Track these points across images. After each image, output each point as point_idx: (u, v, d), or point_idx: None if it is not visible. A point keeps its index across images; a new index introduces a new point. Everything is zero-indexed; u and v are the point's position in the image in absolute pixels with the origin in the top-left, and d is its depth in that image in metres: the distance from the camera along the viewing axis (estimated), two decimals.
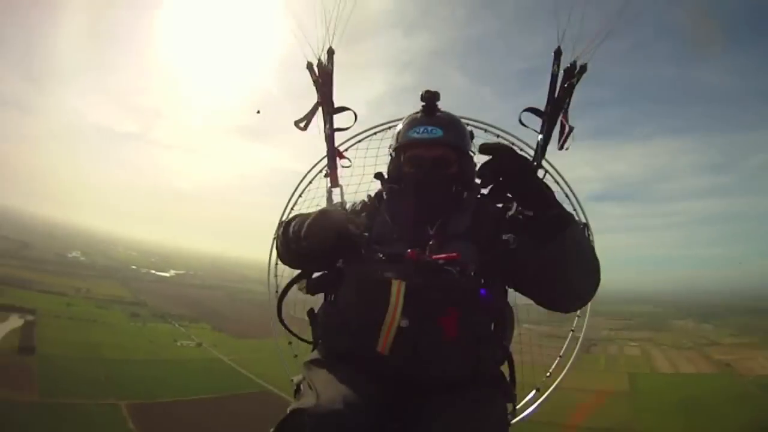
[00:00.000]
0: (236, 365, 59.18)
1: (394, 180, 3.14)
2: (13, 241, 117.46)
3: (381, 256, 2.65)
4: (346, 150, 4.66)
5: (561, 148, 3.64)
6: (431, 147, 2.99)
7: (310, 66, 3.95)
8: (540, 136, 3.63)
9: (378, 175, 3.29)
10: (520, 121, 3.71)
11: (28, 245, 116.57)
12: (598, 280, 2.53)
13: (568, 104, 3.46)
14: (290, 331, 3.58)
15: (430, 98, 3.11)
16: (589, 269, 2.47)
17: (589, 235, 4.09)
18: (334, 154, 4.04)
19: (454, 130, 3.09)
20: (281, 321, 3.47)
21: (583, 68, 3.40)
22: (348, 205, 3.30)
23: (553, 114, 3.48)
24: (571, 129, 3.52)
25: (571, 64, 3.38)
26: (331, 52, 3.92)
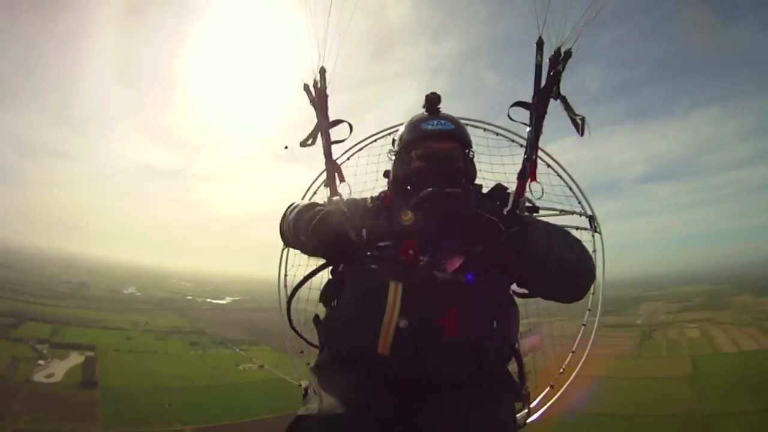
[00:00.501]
0: (298, 382, 58.59)
1: (401, 179, 3.23)
2: (72, 284, 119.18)
3: (377, 256, 2.74)
4: (348, 159, 4.86)
5: (582, 134, 3.43)
6: (443, 140, 3.15)
7: (306, 87, 3.89)
8: (528, 129, 3.40)
9: (387, 174, 3.44)
10: (509, 116, 3.50)
11: (85, 285, 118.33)
12: (584, 270, 2.69)
13: (558, 92, 3.29)
14: (299, 335, 3.71)
15: (435, 99, 3.32)
16: (570, 266, 2.58)
17: (595, 227, 4.40)
18: (332, 165, 3.87)
19: (461, 127, 3.29)
20: (290, 322, 3.62)
21: (568, 54, 3.25)
22: (350, 197, 3.34)
23: (541, 105, 3.29)
24: (582, 118, 3.39)
25: (555, 52, 3.24)
26: (323, 72, 3.86)
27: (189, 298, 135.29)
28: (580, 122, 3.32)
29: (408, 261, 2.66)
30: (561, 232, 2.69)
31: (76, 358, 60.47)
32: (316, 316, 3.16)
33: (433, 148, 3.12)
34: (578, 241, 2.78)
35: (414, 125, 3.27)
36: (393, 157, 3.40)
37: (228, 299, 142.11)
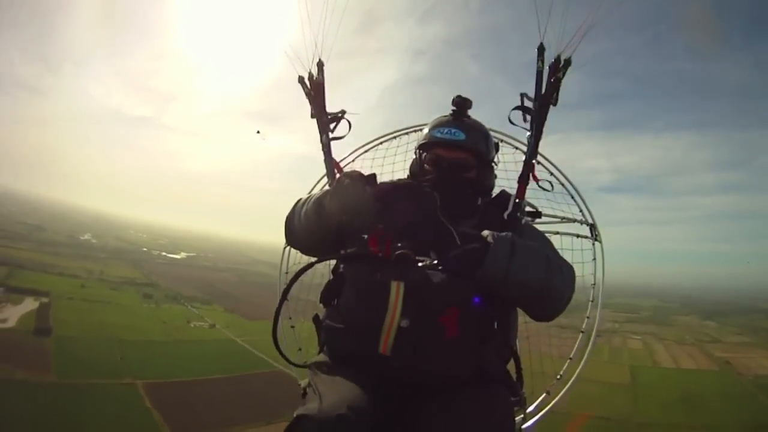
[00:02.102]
0: (249, 346, 59.67)
1: (414, 178, 3.24)
2: (28, 225, 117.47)
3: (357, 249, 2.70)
4: (353, 160, 4.83)
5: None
6: (451, 149, 3.11)
7: (301, 80, 3.97)
8: (528, 134, 3.55)
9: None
10: (510, 120, 3.64)
11: (41, 228, 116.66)
12: (551, 297, 2.73)
13: (557, 99, 3.40)
14: (280, 352, 3.31)
15: (460, 103, 3.25)
16: (534, 292, 2.63)
17: (596, 235, 4.54)
18: (332, 164, 4.05)
19: (477, 137, 3.20)
20: (274, 333, 3.18)
21: (568, 62, 3.35)
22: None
23: (541, 110, 3.42)
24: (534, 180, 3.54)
25: (555, 59, 3.34)
26: (320, 65, 3.96)
27: (144, 250, 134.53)
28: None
29: (374, 253, 2.63)
30: (531, 253, 2.67)
31: (30, 304, 60.20)
32: (316, 316, 3.16)
33: (440, 156, 3.12)
34: (553, 263, 2.76)
35: (429, 129, 3.25)
36: (417, 153, 3.38)
37: (183, 254, 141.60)
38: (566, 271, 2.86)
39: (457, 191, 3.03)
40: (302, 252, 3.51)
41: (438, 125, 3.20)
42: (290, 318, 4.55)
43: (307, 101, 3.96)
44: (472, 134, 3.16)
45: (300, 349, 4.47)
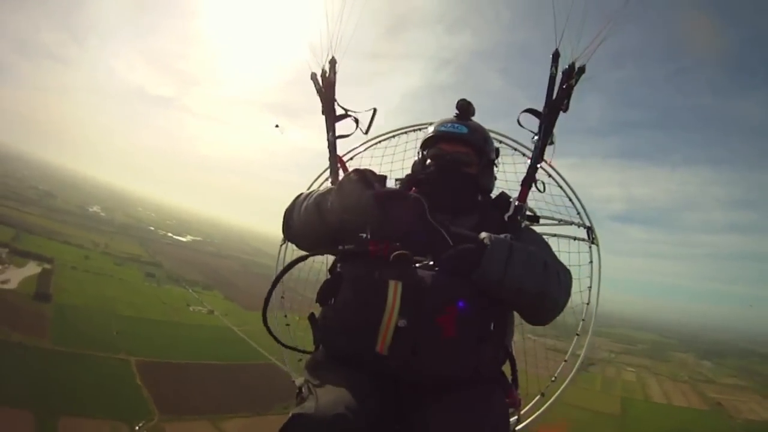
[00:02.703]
0: (245, 336, 59.96)
1: (415, 175, 3.30)
2: (39, 191, 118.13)
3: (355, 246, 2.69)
4: (352, 158, 4.73)
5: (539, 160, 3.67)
6: (453, 143, 3.17)
7: (313, 76, 4.00)
8: (535, 138, 3.61)
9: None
10: (518, 122, 3.70)
11: (51, 195, 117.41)
12: (546, 303, 2.71)
13: (567, 106, 3.46)
14: (275, 337, 3.36)
15: (464, 106, 3.32)
16: (530, 298, 2.62)
17: (593, 239, 4.51)
18: (336, 160, 4.07)
19: (479, 134, 3.26)
20: (265, 321, 3.14)
21: (582, 70, 3.41)
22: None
23: (551, 116, 3.48)
24: (551, 142, 3.59)
25: (569, 66, 3.40)
26: (333, 63, 3.96)
27: (151, 228, 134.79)
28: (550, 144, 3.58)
29: (372, 255, 2.61)
30: (529, 257, 2.66)
31: (33, 268, 60.76)
32: (312, 314, 3.09)
33: (442, 150, 3.18)
34: (551, 268, 2.74)
35: (434, 127, 3.30)
36: (420, 154, 3.41)
37: (189, 238, 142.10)
38: (563, 276, 2.86)
39: (457, 183, 3.12)
40: (299, 247, 3.43)
41: (442, 122, 3.28)
42: (285, 316, 4.50)
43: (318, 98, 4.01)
44: (473, 131, 3.23)
45: (296, 351, 4.22)
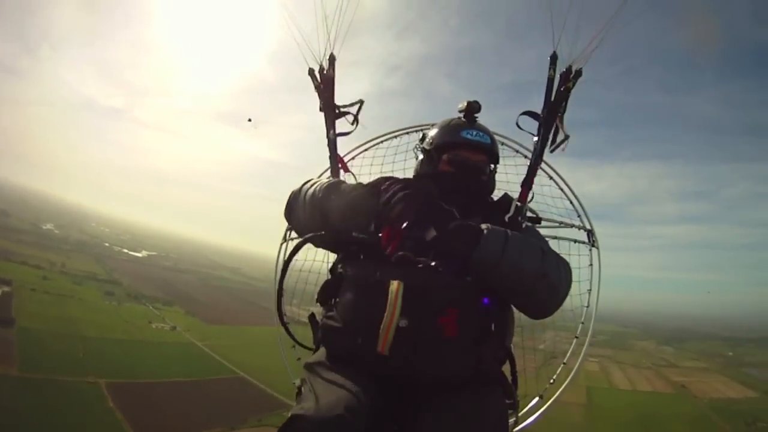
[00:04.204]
0: (210, 351, 59.90)
1: (423, 178, 3.17)
2: None
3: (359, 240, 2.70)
4: (353, 158, 4.67)
5: (552, 151, 3.71)
6: (476, 151, 3.09)
7: (311, 72, 3.94)
8: (535, 139, 3.65)
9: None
10: (518, 124, 3.71)
11: (5, 213, 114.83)
12: (545, 285, 2.68)
13: (565, 108, 3.50)
14: (289, 333, 3.49)
15: (475, 108, 3.23)
16: (528, 280, 2.61)
17: (593, 241, 4.46)
18: (336, 158, 4.03)
19: (495, 143, 3.22)
20: (280, 314, 3.36)
21: (579, 73, 3.44)
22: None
23: (549, 117, 3.51)
24: (566, 137, 3.63)
25: (566, 69, 3.42)
26: (332, 59, 3.93)
27: (106, 245, 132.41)
28: (562, 139, 3.61)
29: (383, 245, 2.60)
30: (526, 243, 2.69)
31: None
32: (312, 314, 3.14)
33: (466, 157, 3.08)
34: (549, 255, 2.77)
35: (452, 130, 3.17)
36: (420, 154, 3.32)
37: (144, 253, 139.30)
38: (562, 266, 2.86)
39: (475, 190, 3.10)
40: (300, 235, 3.30)
41: (462, 126, 3.17)
42: (285, 315, 3.89)
43: (309, 98, 3.99)
44: (492, 140, 3.20)
45: (294, 347, 4.16)
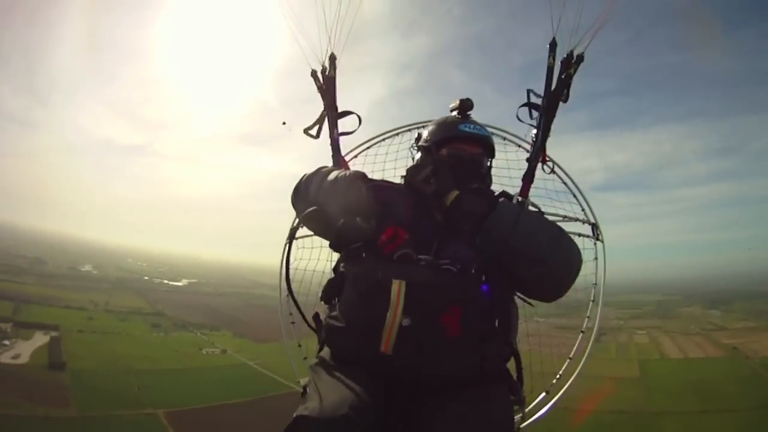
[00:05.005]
0: (263, 369, 60.12)
1: (417, 177, 3.09)
2: (29, 259, 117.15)
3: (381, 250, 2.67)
4: (355, 156, 4.66)
5: (533, 166, 3.64)
6: (475, 144, 3.07)
7: (314, 73, 3.94)
8: (534, 131, 3.63)
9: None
10: (518, 117, 3.69)
11: (41, 261, 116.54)
12: (563, 251, 2.73)
13: (567, 97, 3.44)
14: (303, 315, 3.58)
15: (468, 105, 3.23)
16: (541, 250, 2.62)
17: (598, 234, 4.35)
18: (339, 158, 4.00)
19: (491, 136, 3.22)
20: (292, 296, 3.54)
21: (580, 58, 3.37)
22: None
23: (550, 107, 3.46)
24: (546, 162, 3.67)
25: (567, 55, 3.36)
26: (333, 59, 3.92)
27: (146, 278, 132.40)
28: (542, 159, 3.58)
29: (380, 245, 2.64)
30: (539, 217, 2.81)
31: (41, 339, 60.37)
32: (317, 314, 3.16)
33: (463, 150, 3.05)
34: (562, 232, 2.80)
35: (449, 125, 3.15)
36: (416, 153, 3.28)
37: (184, 281, 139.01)
38: (574, 245, 2.85)
39: (479, 183, 3.01)
40: (302, 221, 3.37)
41: (459, 121, 3.15)
42: (291, 314, 4.43)
43: (314, 99, 3.98)
44: (488, 134, 3.19)
45: (300, 345, 4.49)
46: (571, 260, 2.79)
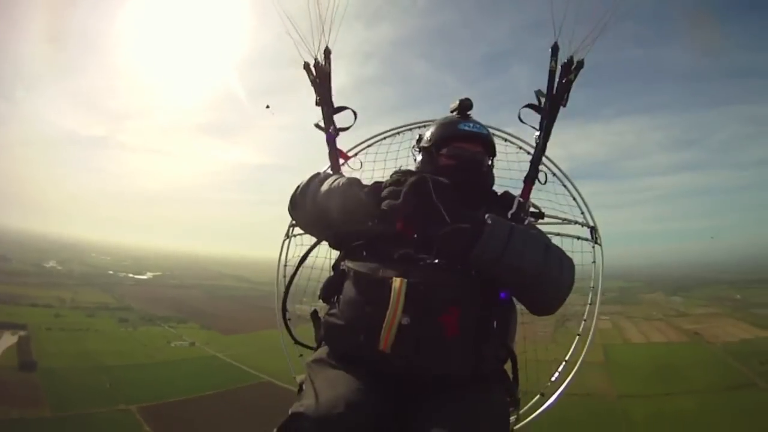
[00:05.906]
0: (232, 360, 60.52)
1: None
2: None
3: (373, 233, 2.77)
4: (355, 155, 4.57)
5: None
6: (475, 142, 3.15)
7: (307, 66, 3.87)
8: (537, 133, 3.65)
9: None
10: (519, 118, 3.71)
11: (6, 259, 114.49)
12: (547, 281, 2.68)
13: (567, 100, 3.49)
14: (293, 337, 3.60)
15: (467, 105, 3.33)
16: (531, 277, 2.60)
17: (596, 238, 4.42)
18: (337, 154, 3.98)
19: (491, 135, 3.30)
20: (284, 317, 3.53)
21: (580, 64, 3.40)
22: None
23: (552, 110, 3.50)
24: (534, 213, 3.57)
25: (568, 60, 3.39)
26: (327, 52, 3.86)
27: (110, 272, 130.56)
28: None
29: (402, 229, 2.71)
30: (530, 237, 2.69)
31: (9, 339, 59.71)
32: (315, 312, 3.12)
33: (464, 148, 3.12)
34: (552, 250, 2.77)
35: (449, 125, 3.24)
36: (418, 153, 3.35)
37: (149, 274, 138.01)
38: (565, 261, 2.82)
39: (476, 181, 3.13)
40: (303, 228, 3.51)
41: (458, 121, 3.25)
42: (287, 311, 4.04)
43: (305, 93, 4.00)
44: (488, 133, 3.27)
45: (301, 356, 4.30)
46: (560, 280, 2.77)
